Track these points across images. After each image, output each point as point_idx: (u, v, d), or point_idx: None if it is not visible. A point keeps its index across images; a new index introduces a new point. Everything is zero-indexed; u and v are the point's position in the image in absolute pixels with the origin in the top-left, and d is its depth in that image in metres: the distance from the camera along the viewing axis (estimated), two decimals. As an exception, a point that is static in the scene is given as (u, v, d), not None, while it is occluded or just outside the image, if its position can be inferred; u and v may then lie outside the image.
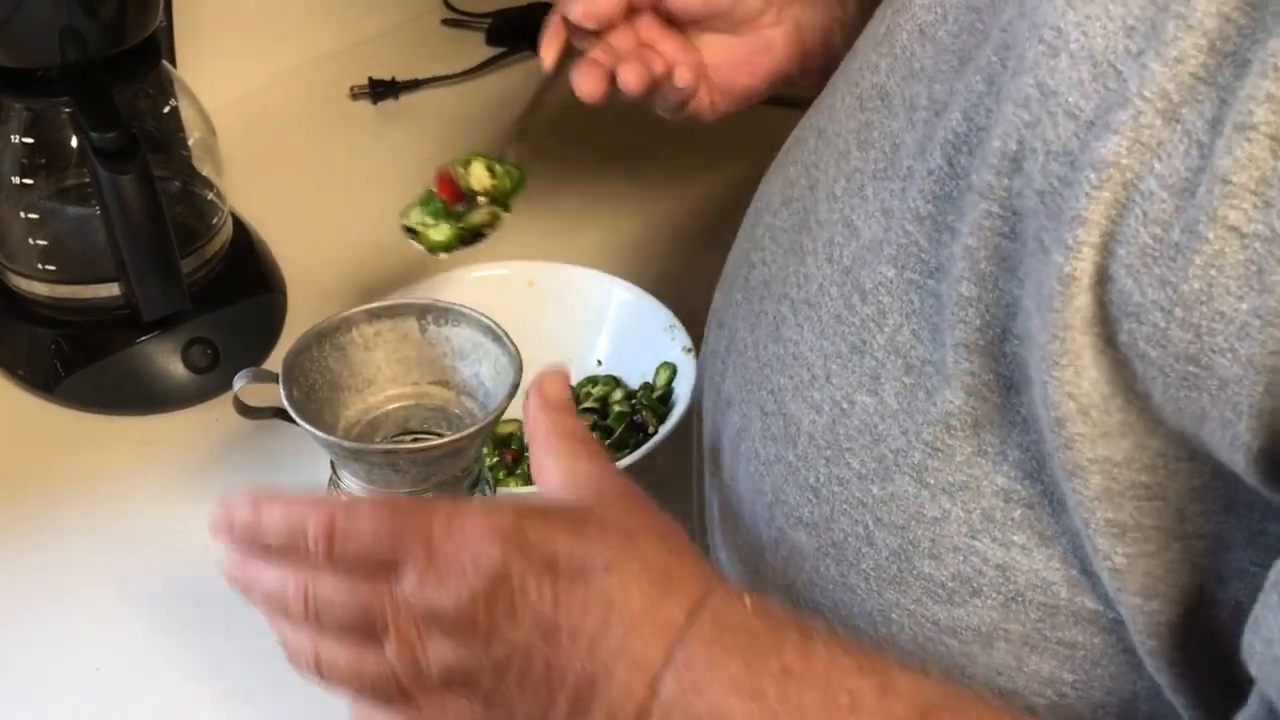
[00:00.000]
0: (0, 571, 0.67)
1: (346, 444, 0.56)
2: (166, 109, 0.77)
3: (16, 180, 0.73)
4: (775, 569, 0.50)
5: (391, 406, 0.60)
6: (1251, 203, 0.32)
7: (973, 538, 0.43)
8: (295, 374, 0.57)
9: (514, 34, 1.10)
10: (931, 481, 0.43)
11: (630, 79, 0.61)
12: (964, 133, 0.40)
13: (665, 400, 0.73)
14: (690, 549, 0.44)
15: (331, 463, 0.59)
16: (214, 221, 0.79)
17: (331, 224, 0.91)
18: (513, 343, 0.56)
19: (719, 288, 0.58)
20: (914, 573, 0.44)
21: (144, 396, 0.76)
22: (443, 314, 0.58)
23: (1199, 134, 0.34)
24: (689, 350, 0.73)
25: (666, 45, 0.64)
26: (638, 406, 0.72)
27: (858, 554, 0.46)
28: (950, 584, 0.44)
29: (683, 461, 0.72)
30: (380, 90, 1.03)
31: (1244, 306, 0.33)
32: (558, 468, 0.47)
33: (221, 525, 0.47)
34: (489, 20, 1.12)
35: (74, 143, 0.73)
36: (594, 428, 0.72)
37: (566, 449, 0.47)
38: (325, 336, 0.57)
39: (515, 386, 0.55)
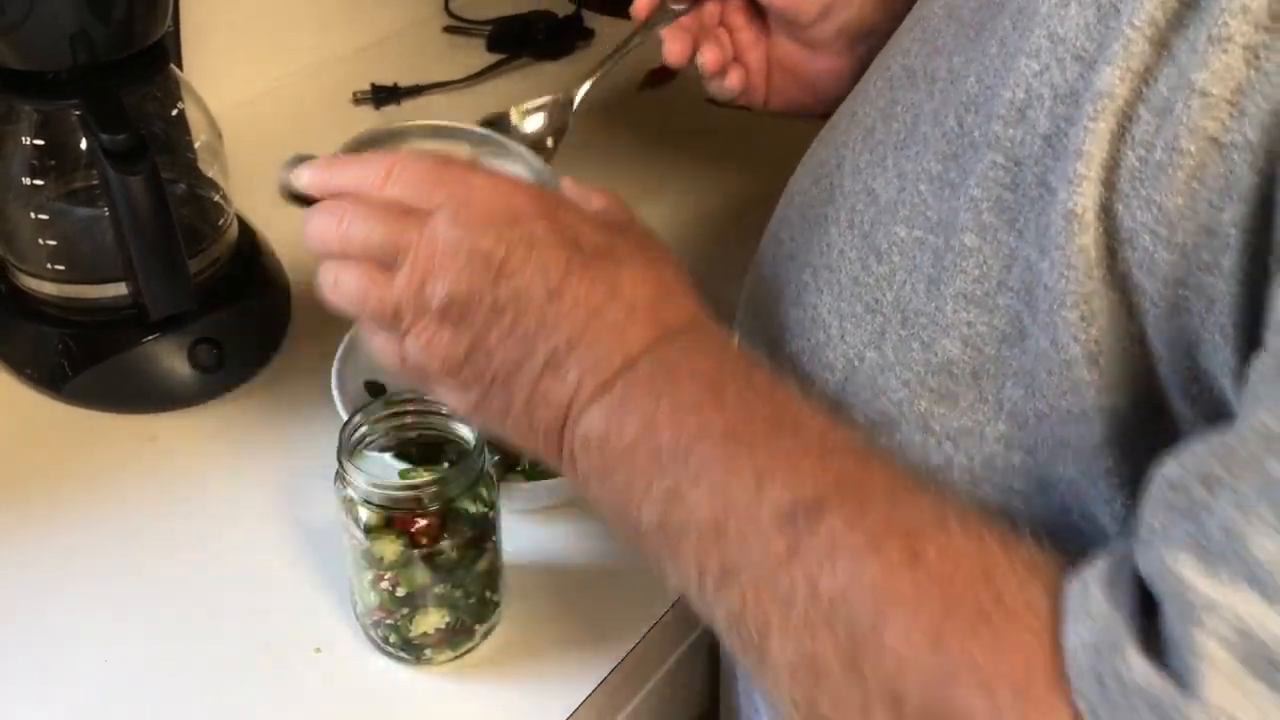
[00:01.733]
0: (7, 567, 0.68)
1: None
2: (174, 112, 0.78)
3: (26, 181, 0.74)
4: None
5: None
6: (1228, 113, 0.33)
7: (974, 485, 0.44)
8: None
9: (515, 41, 1.12)
10: (936, 429, 0.44)
11: (709, 58, 0.66)
12: (975, 93, 0.42)
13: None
14: (693, 291, 0.48)
15: (339, 459, 0.60)
16: (220, 223, 0.80)
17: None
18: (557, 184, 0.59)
19: (750, 271, 0.59)
20: None
21: (150, 395, 0.76)
22: (500, 149, 0.61)
23: (1181, 56, 0.34)
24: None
25: (743, 35, 0.67)
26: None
27: None
28: None
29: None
30: (383, 95, 1.04)
31: (1224, 217, 0.34)
32: (590, 195, 0.51)
33: (304, 177, 0.52)
34: (490, 27, 1.13)
35: (83, 145, 0.74)
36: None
37: (605, 195, 0.52)
38: (380, 141, 0.59)
39: None
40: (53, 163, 0.73)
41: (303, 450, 0.75)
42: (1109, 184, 0.36)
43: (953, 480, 0.44)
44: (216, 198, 0.82)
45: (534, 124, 0.69)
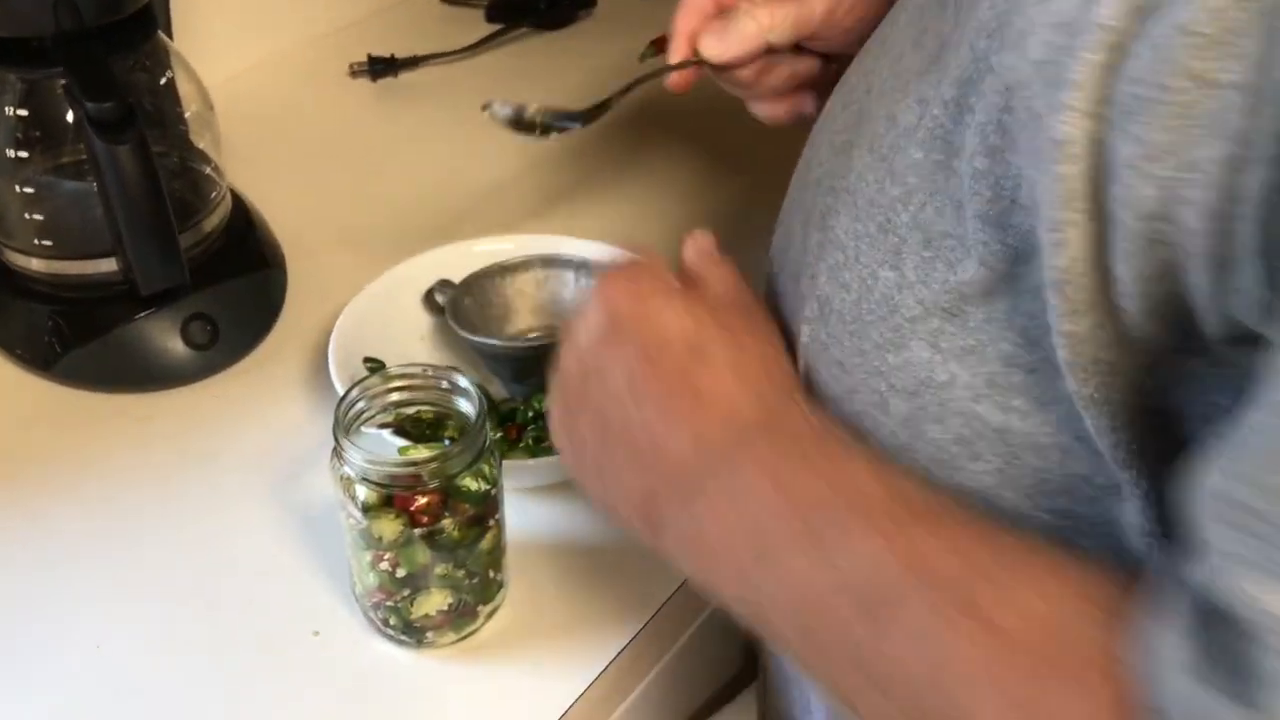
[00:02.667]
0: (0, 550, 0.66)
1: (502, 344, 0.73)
2: (163, 81, 0.75)
3: (11, 154, 0.71)
4: None
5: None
6: (1218, 53, 0.34)
7: (975, 401, 0.45)
8: (470, 289, 0.75)
9: (513, 11, 1.09)
10: (944, 346, 0.45)
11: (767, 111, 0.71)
12: (987, 20, 0.43)
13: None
14: (773, 364, 0.52)
15: (335, 436, 0.58)
16: (212, 196, 0.78)
17: (331, 201, 0.90)
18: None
19: (782, 207, 0.60)
20: (922, 438, 0.46)
21: (143, 373, 0.74)
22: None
23: None
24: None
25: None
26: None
27: (875, 423, 0.48)
28: (953, 448, 0.45)
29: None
30: (379, 67, 1.02)
31: (1208, 154, 0.34)
32: (717, 275, 0.55)
33: None
34: (489, -4, 1.11)
35: (70, 116, 0.71)
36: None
37: (722, 268, 0.56)
38: (508, 270, 0.75)
39: None
40: (38, 134, 0.71)
41: (300, 428, 0.73)
42: (1100, 117, 0.37)
43: (955, 397, 0.45)
44: (208, 170, 0.79)
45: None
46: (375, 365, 0.72)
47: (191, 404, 0.74)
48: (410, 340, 0.76)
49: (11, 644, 0.62)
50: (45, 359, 0.75)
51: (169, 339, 0.75)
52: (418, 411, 0.62)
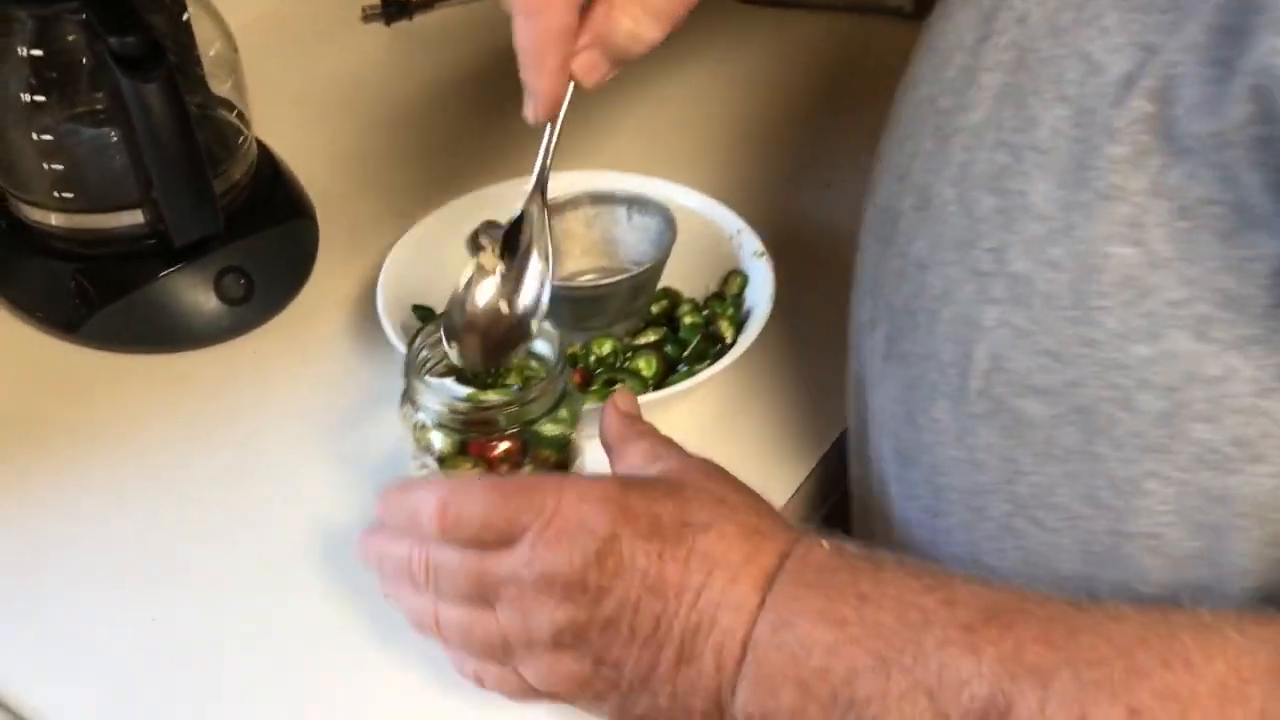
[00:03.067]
0: (39, 525, 0.62)
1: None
2: (183, 18, 0.70)
3: (26, 98, 0.66)
4: (982, 443, 0.46)
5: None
6: None
7: (1261, 397, 0.39)
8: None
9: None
10: (1219, 336, 0.39)
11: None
12: None
13: (738, 309, 0.68)
14: (769, 508, 0.49)
15: (407, 380, 0.54)
16: (239, 142, 0.74)
17: (352, 147, 0.85)
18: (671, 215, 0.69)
19: (884, 144, 0.53)
20: (1184, 437, 0.41)
21: (176, 332, 0.70)
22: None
23: None
24: (760, 254, 0.69)
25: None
26: (711, 318, 0.67)
27: (1110, 420, 0.42)
28: (1228, 449, 0.40)
29: (763, 375, 0.68)
30: (393, 11, 0.97)
31: None
32: (640, 452, 0.51)
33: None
34: (503, -66, 1.06)
35: (87, 59, 0.66)
36: (664, 342, 0.67)
37: (646, 439, 0.52)
38: (554, 210, 0.64)
39: (670, 246, 0.67)
40: (55, 76, 0.66)
41: (346, 382, 0.69)
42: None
43: (1233, 393, 0.40)
44: (232, 116, 0.75)
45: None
46: (426, 312, 0.68)
47: (229, 362, 0.70)
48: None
49: (60, 625, 0.58)
50: (70, 321, 0.70)
51: (201, 295, 0.70)
52: None
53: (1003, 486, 0.45)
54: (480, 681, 0.51)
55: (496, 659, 0.49)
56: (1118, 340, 0.41)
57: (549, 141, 0.56)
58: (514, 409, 0.54)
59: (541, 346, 0.56)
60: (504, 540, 0.47)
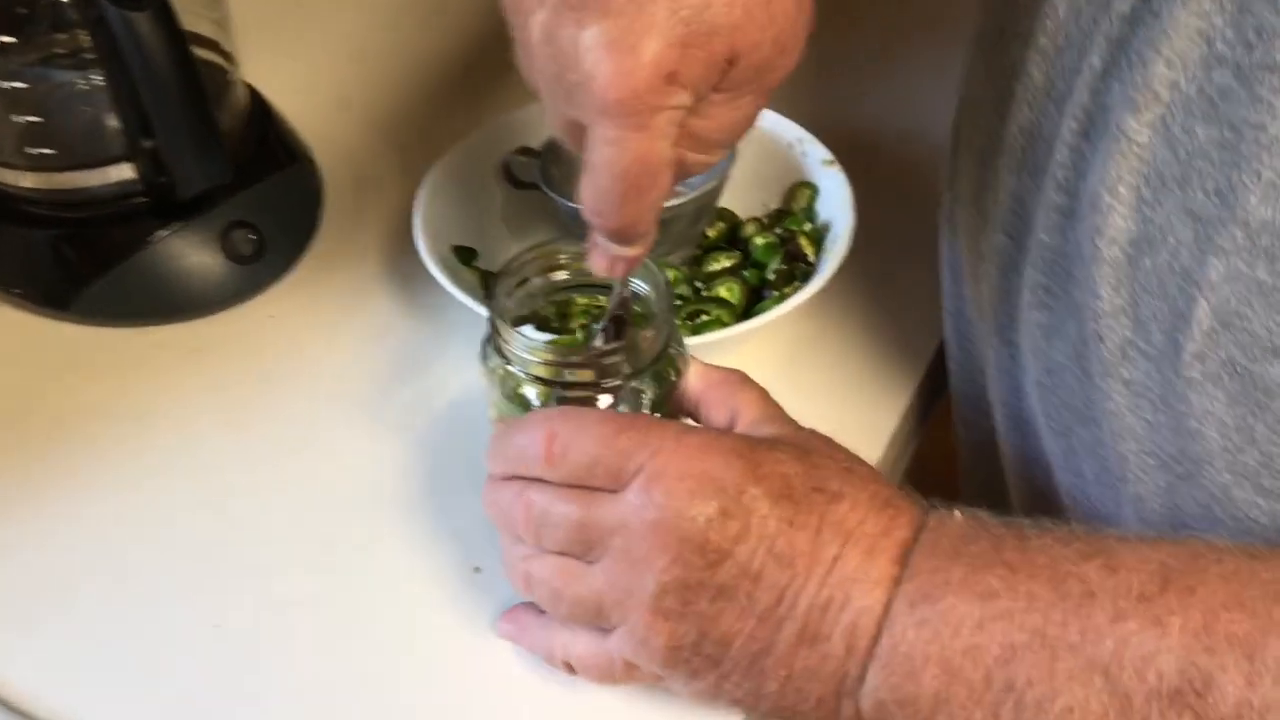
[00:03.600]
0: (62, 525, 0.54)
1: None
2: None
3: (-11, 41, 0.58)
4: (1198, 410, 0.40)
5: None
6: None
7: None
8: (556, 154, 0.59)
9: None
10: None
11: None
12: None
13: (815, 224, 0.62)
14: (890, 482, 0.45)
15: (493, 325, 0.47)
16: (226, 83, 0.65)
17: (344, 91, 0.77)
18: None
19: (1011, 53, 0.46)
20: None
21: (182, 300, 0.62)
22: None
23: None
24: (830, 162, 0.62)
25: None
26: (787, 236, 0.61)
27: None
28: None
29: (846, 296, 0.62)
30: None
31: None
32: (752, 403, 0.47)
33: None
34: None
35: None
36: (739, 267, 0.61)
37: (754, 390, 0.47)
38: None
39: (731, 163, 0.59)
40: (23, 12, 0.57)
41: (379, 338, 0.62)
42: None
43: None
44: (216, 57, 0.66)
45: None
46: (467, 254, 0.61)
47: (246, 326, 0.63)
48: (491, 222, 0.64)
49: (125, 638, 0.50)
50: (58, 297, 0.62)
51: (207, 255, 0.62)
52: (565, 300, 0.52)
53: (1224, 455, 0.40)
54: (568, 666, 0.46)
55: (586, 622, 0.44)
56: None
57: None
58: (619, 357, 0.47)
59: (640, 283, 0.50)
60: (615, 480, 0.42)
